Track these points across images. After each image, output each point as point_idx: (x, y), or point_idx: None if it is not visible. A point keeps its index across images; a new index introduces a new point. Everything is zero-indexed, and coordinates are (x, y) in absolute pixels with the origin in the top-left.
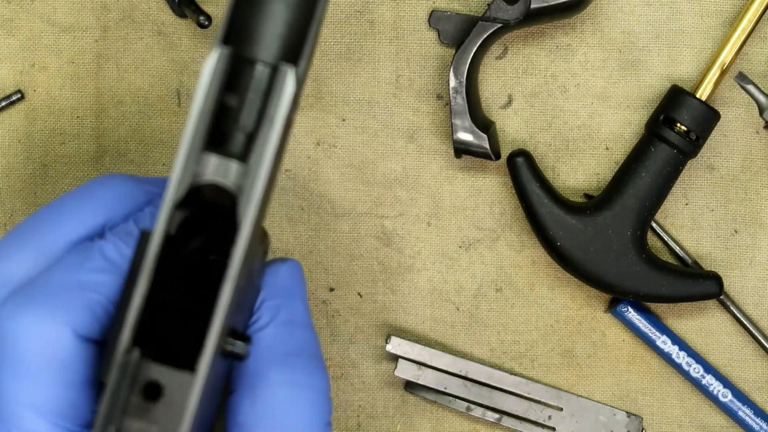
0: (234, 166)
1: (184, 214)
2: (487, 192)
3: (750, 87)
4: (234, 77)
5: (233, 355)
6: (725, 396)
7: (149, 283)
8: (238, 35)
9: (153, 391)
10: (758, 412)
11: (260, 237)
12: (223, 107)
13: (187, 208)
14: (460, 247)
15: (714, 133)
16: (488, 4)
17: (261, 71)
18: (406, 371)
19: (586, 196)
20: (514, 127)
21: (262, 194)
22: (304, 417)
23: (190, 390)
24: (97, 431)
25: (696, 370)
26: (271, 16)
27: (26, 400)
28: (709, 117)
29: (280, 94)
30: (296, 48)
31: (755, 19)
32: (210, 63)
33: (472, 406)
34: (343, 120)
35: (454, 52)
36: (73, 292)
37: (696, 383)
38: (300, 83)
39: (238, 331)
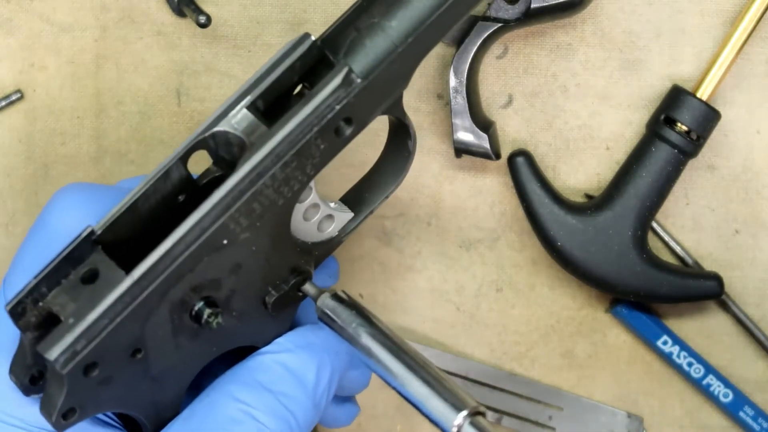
0: (261, 127)
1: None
2: (488, 192)
3: None
4: (312, 72)
5: (194, 316)
6: (726, 396)
7: (141, 189)
8: (332, 40)
9: (90, 277)
10: (759, 412)
11: (293, 265)
12: (288, 85)
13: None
14: (461, 247)
15: (715, 132)
16: (488, 4)
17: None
18: None
19: (587, 196)
20: (514, 127)
21: (272, 160)
22: None
23: (117, 286)
24: (31, 284)
25: (697, 370)
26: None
27: None
28: (710, 117)
29: (327, 83)
30: (369, 67)
31: (756, 18)
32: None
33: None
34: None
35: (454, 51)
36: None
37: (697, 384)
38: (359, 91)
39: (215, 301)
